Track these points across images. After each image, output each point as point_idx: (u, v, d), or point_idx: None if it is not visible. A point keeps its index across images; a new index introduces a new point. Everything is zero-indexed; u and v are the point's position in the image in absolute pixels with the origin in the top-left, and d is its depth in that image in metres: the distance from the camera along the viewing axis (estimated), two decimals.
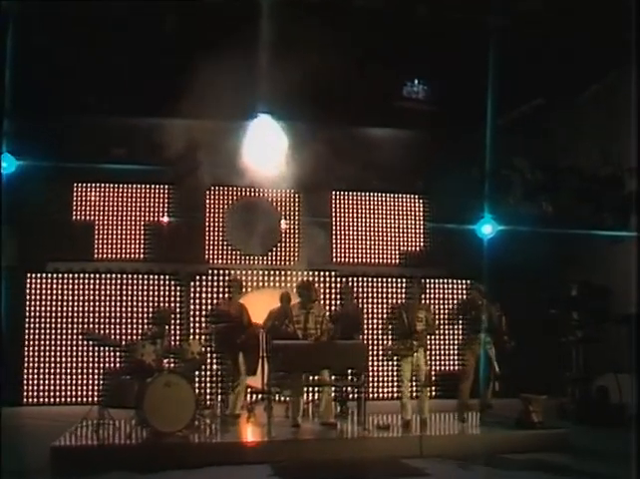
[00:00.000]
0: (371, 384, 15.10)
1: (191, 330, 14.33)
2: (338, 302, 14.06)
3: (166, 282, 15.04)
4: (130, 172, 15.71)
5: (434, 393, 12.09)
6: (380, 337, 15.23)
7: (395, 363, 13.27)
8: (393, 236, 16.90)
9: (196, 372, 12.21)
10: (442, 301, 16.00)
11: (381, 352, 15.10)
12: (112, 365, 13.97)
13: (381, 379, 15.61)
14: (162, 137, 14.58)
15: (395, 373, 15.22)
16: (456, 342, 15.81)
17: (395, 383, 15.27)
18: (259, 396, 13.28)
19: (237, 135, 14.96)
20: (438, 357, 15.94)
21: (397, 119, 15.56)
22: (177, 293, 14.96)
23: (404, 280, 15.88)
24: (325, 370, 11.59)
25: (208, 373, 14.17)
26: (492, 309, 12.49)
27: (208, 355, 13.28)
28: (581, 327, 14.03)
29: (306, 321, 11.75)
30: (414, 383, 12.29)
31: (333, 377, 12.04)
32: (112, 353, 13.94)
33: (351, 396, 13.02)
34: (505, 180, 15.78)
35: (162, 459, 10.10)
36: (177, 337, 13.60)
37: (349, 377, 12.35)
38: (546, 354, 14.44)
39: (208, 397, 13.75)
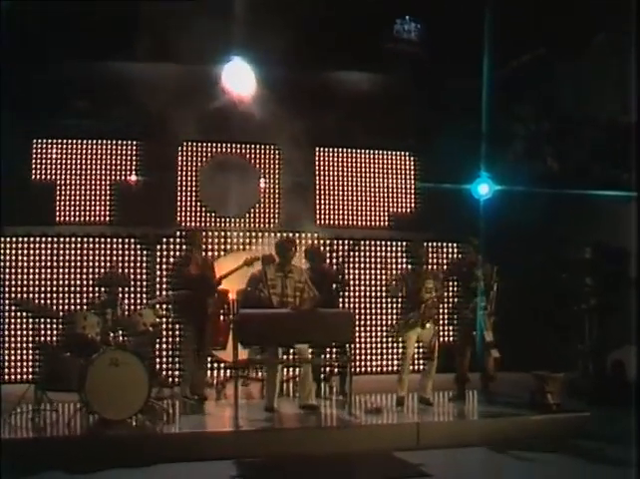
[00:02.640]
0: (358, 358, 12.73)
1: (158, 298, 11.72)
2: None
3: (134, 246, 12.53)
4: (94, 126, 13.21)
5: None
6: (368, 306, 13.07)
7: (396, 336, 10.81)
8: (381, 196, 14.25)
9: (151, 347, 9.60)
10: (434, 266, 13.34)
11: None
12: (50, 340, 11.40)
13: (367, 352, 13.16)
14: (129, 85, 12.30)
15: (384, 346, 13.02)
16: (449, 309, 13.33)
17: (382, 356, 13.10)
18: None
19: (210, 83, 12.53)
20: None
21: (385, 63, 13.06)
22: (144, 258, 12.42)
23: (396, 244, 13.48)
24: (304, 344, 9.13)
25: (167, 346, 11.70)
26: (488, 268, 10.19)
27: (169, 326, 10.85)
28: (596, 294, 11.67)
29: (283, 287, 9.36)
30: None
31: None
32: (52, 326, 11.38)
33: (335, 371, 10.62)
34: (506, 133, 13.38)
35: (106, 454, 7.80)
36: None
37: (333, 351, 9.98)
38: (556, 324, 12.12)
39: (167, 375, 11.25)
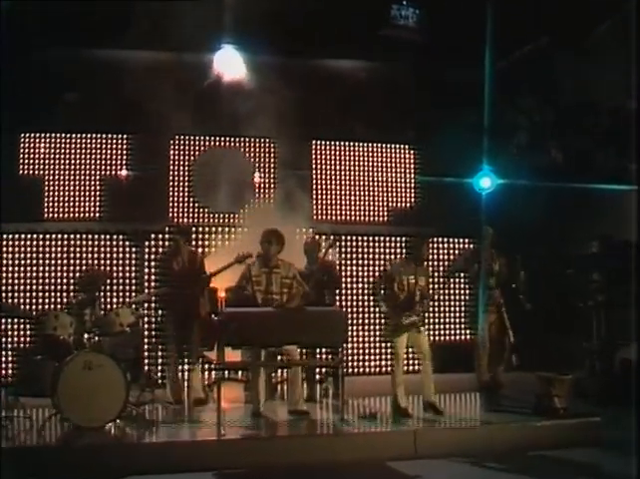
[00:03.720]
0: (354, 358, 11.99)
1: (139, 296, 10.87)
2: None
3: (123, 243, 11.69)
4: (83, 119, 12.49)
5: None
6: (364, 304, 12.18)
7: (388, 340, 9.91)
8: (380, 190, 13.44)
9: (130, 348, 8.75)
10: (435, 263, 12.58)
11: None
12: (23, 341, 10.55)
13: (365, 352, 12.21)
14: (118, 76, 11.69)
15: (382, 345, 12.02)
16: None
17: (380, 356, 12.11)
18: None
19: (202, 73, 12.13)
20: (440, 325, 12.55)
21: (383, 51, 12.28)
22: (133, 255, 11.62)
23: (395, 240, 12.57)
24: (292, 346, 8.32)
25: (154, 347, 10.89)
26: (503, 262, 9.39)
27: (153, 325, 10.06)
28: (603, 290, 10.78)
29: (268, 283, 8.59)
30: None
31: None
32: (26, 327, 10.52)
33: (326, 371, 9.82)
34: (509, 124, 12.61)
35: (79, 465, 7.00)
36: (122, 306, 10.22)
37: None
38: (561, 322, 11.33)
39: (155, 378, 10.41)
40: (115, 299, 10.97)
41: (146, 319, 10.35)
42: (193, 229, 11.38)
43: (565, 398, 8.41)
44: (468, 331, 12.13)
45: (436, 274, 12.00)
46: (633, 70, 10.72)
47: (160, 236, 11.57)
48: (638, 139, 10.54)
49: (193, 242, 11.32)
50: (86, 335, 8.15)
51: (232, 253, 9.65)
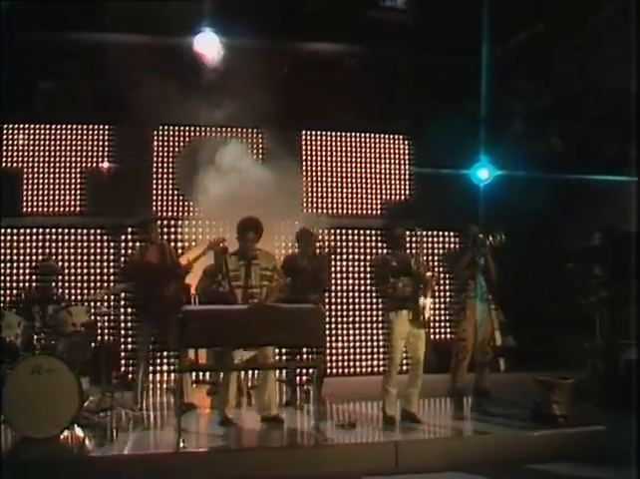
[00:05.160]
0: (343, 358, 11.32)
1: (97, 292, 9.98)
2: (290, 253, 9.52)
3: (101, 238, 11.09)
4: (63, 109, 11.73)
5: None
6: (354, 301, 11.49)
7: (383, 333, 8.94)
8: (373, 182, 12.60)
9: (86, 350, 7.79)
10: (431, 257, 11.90)
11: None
12: None
13: (352, 351, 11.46)
14: (99, 63, 11.08)
15: (374, 344, 11.38)
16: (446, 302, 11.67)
17: (372, 355, 11.40)
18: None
19: (187, 60, 11.20)
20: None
21: (374, 37, 11.46)
22: (110, 250, 10.97)
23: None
24: (268, 347, 7.38)
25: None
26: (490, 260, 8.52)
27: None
28: (606, 286, 9.87)
29: (247, 277, 7.63)
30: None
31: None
32: None
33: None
34: (507, 113, 11.74)
35: None
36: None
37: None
38: (562, 320, 10.42)
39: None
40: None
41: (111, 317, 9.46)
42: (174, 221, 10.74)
43: (566, 405, 7.47)
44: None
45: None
46: (633, 55, 9.83)
47: (137, 229, 10.73)
48: (638, 126, 9.65)
49: (173, 236, 10.91)
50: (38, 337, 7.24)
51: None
